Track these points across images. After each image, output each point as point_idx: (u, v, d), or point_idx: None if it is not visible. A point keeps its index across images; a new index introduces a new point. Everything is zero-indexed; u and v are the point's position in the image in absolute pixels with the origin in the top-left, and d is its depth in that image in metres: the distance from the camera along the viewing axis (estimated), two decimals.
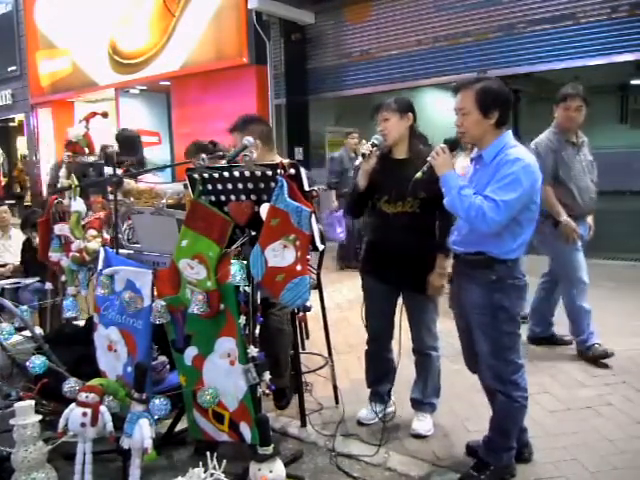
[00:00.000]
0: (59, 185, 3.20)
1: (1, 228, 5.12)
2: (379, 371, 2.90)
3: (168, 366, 3.03)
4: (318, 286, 3.27)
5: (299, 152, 8.43)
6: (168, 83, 9.71)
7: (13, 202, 11.75)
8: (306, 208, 2.11)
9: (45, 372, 2.40)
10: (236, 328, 2.27)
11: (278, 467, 2.14)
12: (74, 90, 11.14)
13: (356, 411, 2.96)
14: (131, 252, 3.04)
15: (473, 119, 2.24)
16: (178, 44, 9.06)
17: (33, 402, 2.27)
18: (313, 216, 2.15)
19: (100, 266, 2.61)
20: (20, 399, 2.42)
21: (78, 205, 2.98)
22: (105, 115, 3.40)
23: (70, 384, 2.38)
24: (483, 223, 2.16)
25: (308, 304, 2.67)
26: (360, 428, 2.86)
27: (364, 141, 2.69)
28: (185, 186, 3.15)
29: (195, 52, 8.84)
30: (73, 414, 2.27)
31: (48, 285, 3.28)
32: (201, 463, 2.10)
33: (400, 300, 2.76)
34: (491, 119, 2.23)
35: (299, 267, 2.13)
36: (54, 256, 3.08)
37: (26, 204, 12.98)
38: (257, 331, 2.28)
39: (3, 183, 13.98)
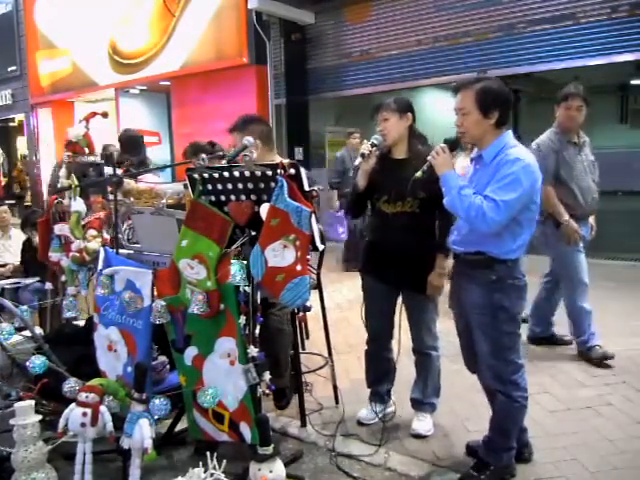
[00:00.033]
0: (59, 185, 3.20)
1: (1, 228, 5.12)
2: (379, 371, 2.89)
3: (168, 366, 3.03)
4: (318, 286, 3.27)
5: (299, 152, 8.42)
6: (168, 83, 9.69)
7: (13, 202, 11.76)
8: (306, 208, 2.11)
9: (45, 372, 2.39)
10: (236, 328, 2.27)
11: (278, 467, 2.14)
12: (74, 90, 11.13)
13: (356, 411, 2.96)
14: (131, 252, 3.04)
15: (473, 119, 2.24)
16: (178, 44, 9.05)
17: (33, 402, 2.27)
18: (313, 216, 2.15)
19: (100, 266, 2.61)
20: (20, 399, 2.42)
21: (78, 205, 2.98)
22: (105, 115, 3.40)
23: (70, 384, 2.38)
24: (483, 223, 2.16)
25: (308, 304, 2.66)
26: (360, 428, 2.86)
27: (365, 141, 2.69)
28: (185, 186, 3.15)
29: (195, 52, 8.83)
30: (73, 414, 2.27)
31: (48, 285, 3.28)
32: (201, 463, 2.09)
33: (400, 300, 2.76)
34: (491, 119, 2.23)
35: (299, 267, 2.13)
36: (54, 256, 3.08)
37: (26, 204, 12.97)
38: (257, 331, 2.28)
39: (3, 183, 13.96)
